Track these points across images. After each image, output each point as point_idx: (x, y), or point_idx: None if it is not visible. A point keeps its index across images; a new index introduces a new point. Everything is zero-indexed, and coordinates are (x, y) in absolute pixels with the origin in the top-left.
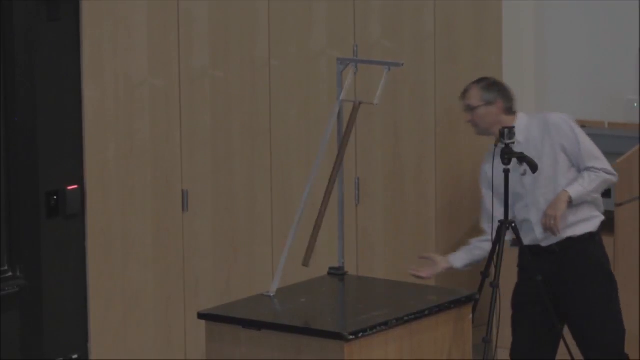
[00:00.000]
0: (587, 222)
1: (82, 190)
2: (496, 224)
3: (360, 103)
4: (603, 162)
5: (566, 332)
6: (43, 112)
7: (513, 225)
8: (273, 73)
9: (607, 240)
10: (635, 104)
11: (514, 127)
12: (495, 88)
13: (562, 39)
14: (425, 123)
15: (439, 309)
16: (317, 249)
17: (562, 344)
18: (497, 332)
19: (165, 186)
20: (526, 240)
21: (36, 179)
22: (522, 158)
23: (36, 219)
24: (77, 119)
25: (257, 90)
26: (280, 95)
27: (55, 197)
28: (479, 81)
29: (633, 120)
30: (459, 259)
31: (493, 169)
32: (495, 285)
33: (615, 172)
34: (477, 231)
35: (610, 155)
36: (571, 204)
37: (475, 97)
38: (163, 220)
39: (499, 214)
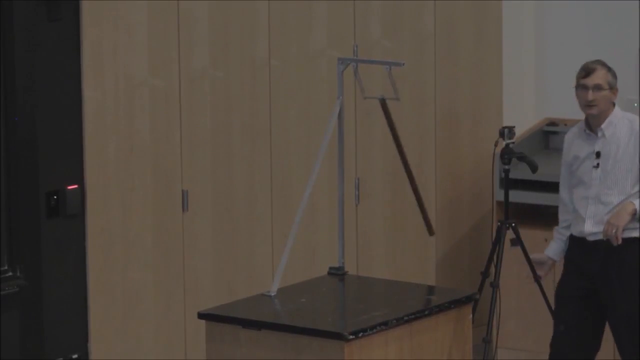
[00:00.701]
0: (634, 230)
1: (82, 190)
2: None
3: (385, 99)
4: None
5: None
6: (43, 112)
7: (513, 225)
8: (273, 73)
9: None
10: (635, 104)
11: (514, 126)
12: (614, 73)
13: (562, 39)
14: (425, 123)
15: (439, 309)
16: (316, 249)
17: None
18: (497, 332)
19: (165, 186)
20: (574, 230)
21: (36, 179)
22: (522, 158)
23: (36, 219)
24: (77, 119)
25: (257, 90)
26: (280, 95)
27: (55, 197)
28: (602, 63)
29: None
30: (554, 250)
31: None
32: (495, 285)
33: None
34: (477, 231)
35: None
36: (634, 216)
37: (604, 78)
38: (163, 220)
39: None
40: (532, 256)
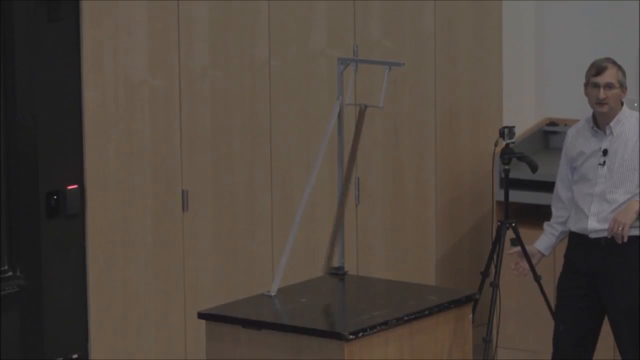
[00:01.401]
0: (637, 229)
1: (82, 190)
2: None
3: (366, 107)
4: None
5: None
6: (43, 112)
7: (513, 225)
8: (273, 73)
9: None
10: (636, 104)
11: (514, 126)
12: (625, 74)
13: (562, 39)
14: (425, 123)
15: (439, 309)
16: (316, 249)
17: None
18: (497, 332)
19: (165, 186)
20: (574, 227)
21: (36, 179)
22: (522, 158)
23: (36, 219)
24: (77, 119)
25: (257, 90)
26: (280, 95)
27: (55, 197)
28: (613, 62)
29: None
30: (544, 244)
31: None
32: (495, 285)
33: None
34: (477, 231)
35: None
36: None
37: (615, 77)
38: (163, 220)
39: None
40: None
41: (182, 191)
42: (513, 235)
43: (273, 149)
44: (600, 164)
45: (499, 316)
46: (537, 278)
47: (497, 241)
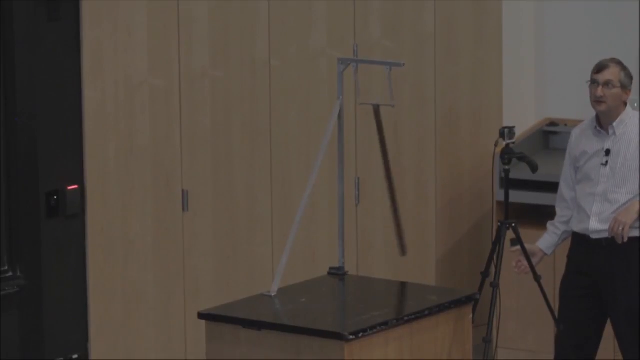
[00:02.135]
0: (638, 229)
1: (82, 190)
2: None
3: (379, 106)
4: None
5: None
6: (43, 112)
7: (513, 225)
8: (273, 73)
9: None
10: (636, 104)
11: (514, 127)
12: (630, 75)
13: (562, 39)
14: (425, 123)
15: (439, 309)
16: (316, 249)
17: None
18: (497, 332)
19: (165, 186)
20: (577, 228)
21: (36, 179)
22: (522, 158)
23: (36, 219)
24: (77, 119)
25: (257, 90)
26: (280, 95)
27: (55, 197)
28: (618, 62)
29: None
30: (547, 243)
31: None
32: (495, 285)
33: None
34: (477, 231)
35: None
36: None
37: (616, 76)
38: (163, 220)
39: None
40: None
41: (182, 191)
42: (513, 236)
43: (273, 149)
44: (602, 164)
45: (499, 316)
46: (537, 278)
47: (497, 241)
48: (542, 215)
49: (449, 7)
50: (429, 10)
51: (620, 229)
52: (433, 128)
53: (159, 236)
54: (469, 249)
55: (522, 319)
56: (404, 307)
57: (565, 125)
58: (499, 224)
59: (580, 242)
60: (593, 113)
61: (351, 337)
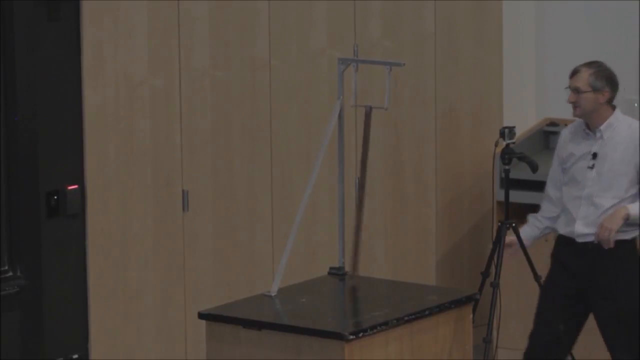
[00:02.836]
0: (624, 233)
1: (82, 190)
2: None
3: (372, 108)
4: None
5: None
6: (43, 112)
7: (514, 225)
8: (273, 73)
9: None
10: (636, 104)
11: (514, 127)
12: (604, 75)
13: (562, 39)
14: (425, 123)
15: (439, 309)
16: (316, 249)
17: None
18: (497, 332)
19: (166, 186)
20: (563, 230)
21: (36, 179)
22: (522, 158)
23: (36, 219)
24: (77, 119)
25: (257, 90)
26: (280, 95)
27: (55, 197)
28: (591, 65)
29: None
30: (526, 234)
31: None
32: (495, 285)
33: None
34: (477, 231)
35: None
36: (627, 220)
37: (584, 81)
38: (163, 220)
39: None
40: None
41: (182, 191)
42: (513, 235)
43: (273, 149)
44: (589, 167)
45: (499, 316)
46: (537, 278)
47: (498, 241)
48: None
49: (449, 7)
50: (429, 10)
51: (607, 235)
52: (433, 128)
53: (159, 236)
54: (469, 249)
55: (522, 319)
56: (404, 307)
57: (565, 125)
58: (499, 224)
59: (566, 244)
60: None
61: (351, 337)
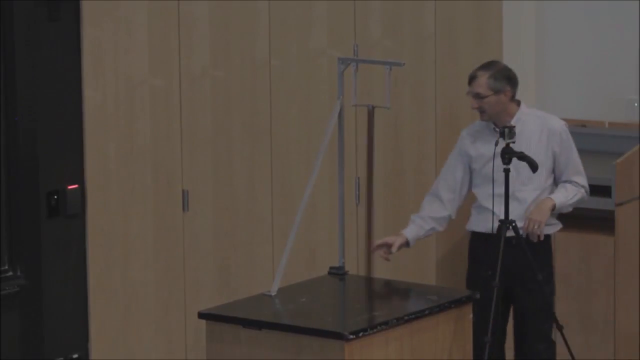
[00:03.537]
0: (549, 226)
1: (82, 190)
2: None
3: (373, 107)
4: (585, 180)
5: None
6: (43, 112)
7: (514, 225)
8: (273, 73)
9: (607, 240)
10: (636, 104)
11: (514, 126)
12: (502, 75)
13: (563, 39)
14: (425, 123)
15: (439, 308)
16: (316, 249)
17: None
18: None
19: (166, 186)
20: (479, 227)
21: (36, 179)
22: (522, 157)
23: (36, 219)
24: (77, 119)
25: (257, 90)
26: (280, 95)
27: (55, 197)
28: (487, 68)
29: (633, 120)
30: (414, 234)
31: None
32: (495, 285)
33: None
34: None
35: (610, 155)
36: (553, 211)
37: (484, 85)
38: (163, 220)
39: (448, 188)
40: (387, 238)
41: (182, 191)
42: (513, 235)
43: (273, 149)
44: (505, 164)
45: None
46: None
47: (498, 241)
48: None
49: (449, 7)
50: (429, 10)
51: (536, 227)
52: (433, 128)
53: (159, 236)
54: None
55: None
56: (404, 307)
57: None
58: (499, 223)
59: (484, 241)
60: (592, 113)
61: (351, 336)
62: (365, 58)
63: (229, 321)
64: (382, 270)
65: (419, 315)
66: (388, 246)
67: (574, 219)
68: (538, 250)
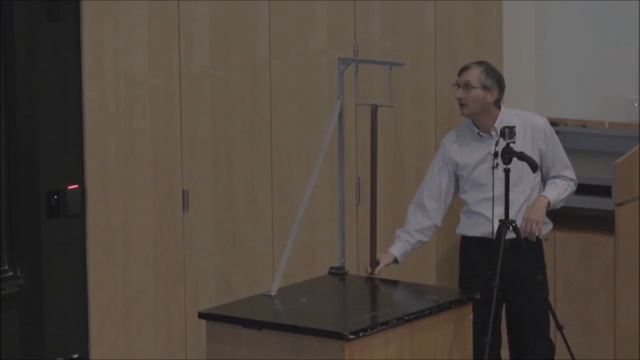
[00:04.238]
0: (543, 225)
1: (82, 190)
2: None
3: (377, 106)
4: (573, 173)
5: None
6: (43, 112)
7: (513, 225)
8: (273, 73)
9: (607, 240)
10: (636, 104)
11: (514, 126)
12: (494, 75)
13: (563, 39)
14: (425, 123)
15: (439, 309)
16: (316, 249)
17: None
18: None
19: (166, 186)
20: (475, 232)
21: (36, 179)
22: (523, 157)
23: (36, 219)
24: (77, 119)
25: (257, 90)
26: (280, 95)
27: (55, 197)
28: (481, 63)
29: (633, 120)
30: (401, 251)
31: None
32: (495, 285)
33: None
34: None
35: (610, 155)
36: (548, 208)
37: (476, 77)
38: (163, 220)
39: (433, 196)
40: (378, 255)
41: (182, 191)
42: (514, 235)
43: (273, 149)
44: (494, 167)
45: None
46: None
47: (498, 241)
48: None
49: (449, 7)
50: (429, 10)
51: (533, 226)
52: (433, 128)
53: (159, 236)
54: None
55: None
56: (404, 307)
57: (566, 125)
58: (499, 223)
59: (478, 246)
60: (592, 113)
61: (351, 337)
62: (366, 58)
63: (229, 321)
64: (383, 271)
65: (419, 315)
66: (377, 263)
67: (574, 219)
68: (533, 251)
